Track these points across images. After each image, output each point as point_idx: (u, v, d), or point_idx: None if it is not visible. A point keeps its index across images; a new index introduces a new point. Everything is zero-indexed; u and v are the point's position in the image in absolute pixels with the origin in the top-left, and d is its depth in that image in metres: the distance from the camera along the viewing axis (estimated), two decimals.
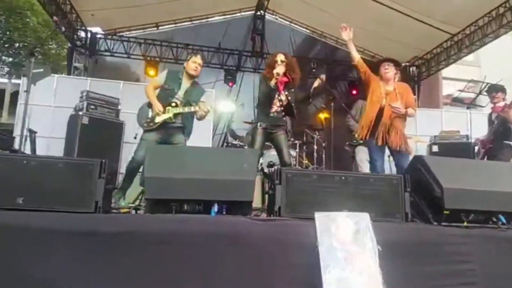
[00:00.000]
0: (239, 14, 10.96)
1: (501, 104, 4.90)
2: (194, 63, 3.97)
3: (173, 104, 3.84)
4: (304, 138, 7.47)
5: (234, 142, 6.90)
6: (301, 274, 1.97)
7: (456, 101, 7.54)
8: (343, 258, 2.02)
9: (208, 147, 3.24)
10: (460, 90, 8.00)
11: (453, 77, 16.78)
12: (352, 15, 9.71)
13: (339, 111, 6.45)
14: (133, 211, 2.83)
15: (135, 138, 4.32)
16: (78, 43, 9.55)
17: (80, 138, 5.13)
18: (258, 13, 10.63)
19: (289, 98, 4.05)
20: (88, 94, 5.42)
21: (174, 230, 1.91)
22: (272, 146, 4.53)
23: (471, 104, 6.67)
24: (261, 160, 6.78)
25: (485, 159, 4.90)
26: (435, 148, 6.18)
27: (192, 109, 3.85)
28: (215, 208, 2.18)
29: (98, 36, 9.96)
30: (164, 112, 3.80)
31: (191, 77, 3.97)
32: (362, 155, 4.66)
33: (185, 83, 3.96)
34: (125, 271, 1.84)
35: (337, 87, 11.35)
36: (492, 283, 2.14)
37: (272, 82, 3.87)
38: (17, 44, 14.92)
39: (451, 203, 2.25)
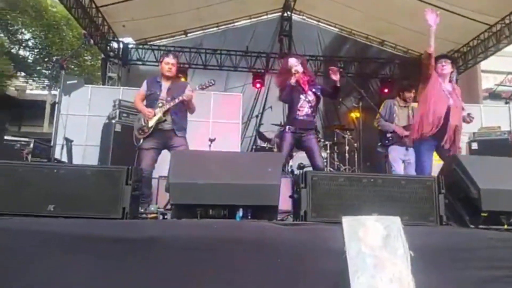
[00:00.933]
0: (265, 17, 10.97)
1: None
2: (167, 64, 4.06)
3: (160, 105, 3.95)
4: (335, 138, 7.35)
5: (263, 144, 6.89)
6: (328, 281, 1.90)
7: (494, 96, 7.13)
8: (372, 264, 1.93)
9: (231, 151, 3.23)
10: (497, 84, 7.57)
11: (494, 70, 15.96)
12: (381, 11, 9.49)
13: (370, 110, 6.27)
14: (161, 216, 2.87)
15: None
16: (111, 53, 9.91)
17: (113, 145, 5.29)
18: (285, 14, 10.61)
19: (318, 94, 4.03)
20: (120, 102, 5.58)
21: (198, 236, 1.90)
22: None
23: (509, 99, 6.29)
24: (291, 163, 6.74)
25: None
26: (474, 146, 5.87)
27: (177, 100, 3.91)
28: (240, 213, 2.16)
29: (130, 46, 10.29)
30: (154, 115, 3.91)
31: (168, 77, 4.07)
32: (396, 155, 4.51)
33: (165, 84, 4.06)
34: (150, 276, 1.85)
35: (369, 85, 11.09)
36: None
37: (293, 80, 3.87)
38: (54, 58, 15.69)
39: (488, 205, 2.11)
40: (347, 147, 6.97)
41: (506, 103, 6.65)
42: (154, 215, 2.84)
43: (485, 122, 6.66)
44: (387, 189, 2.22)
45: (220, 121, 6.56)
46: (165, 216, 2.84)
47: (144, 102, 4.09)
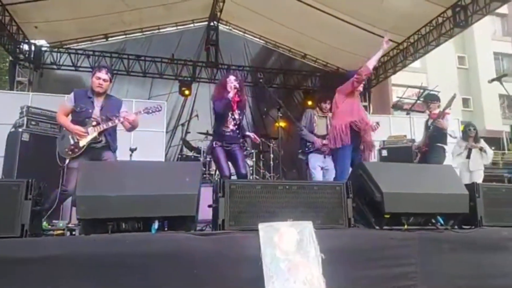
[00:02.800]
0: (192, 25, 10.89)
1: (436, 111, 5.24)
2: (97, 80, 3.72)
3: (94, 123, 3.64)
4: (261, 147, 7.49)
5: (189, 153, 6.77)
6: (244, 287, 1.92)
7: (397, 107, 7.92)
8: (286, 268, 1.99)
9: (146, 161, 3.13)
10: (398, 97, 8.43)
11: (402, 84, 17.68)
12: (303, 26, 9.98)
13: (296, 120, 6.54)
14: (68, 233, 2.66)
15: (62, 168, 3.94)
16: (21, 56, 9.04)
17: (20, 156, 4.79)
18: (212, 24, 10.64)
19: (243, 116, 4.25)
20: (29, 109, 5.09)
21: (107, 252, 1.79)
22: None
23: (410, 110, 7.06)
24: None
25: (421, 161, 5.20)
26: (384, 153, 6.41)
27: (117, 121, 3.68)
28: (156, 225, 2.09)
29: (43, 48, 9.51)
30: (87, 134, 3.59)
31: (99, 94, 3.74)
32: (314, 162, 4.78)
33: (97, 101, 3.74)
34: None
35: (293, 96, 11.57)
36: (432, 284, 2.20)
37: (231, 94, 4.00)
38: None
39: (391, 207, 2.31)
40: (271, 155, 7.15)
41: (407, 114, 7.44)
42: (61, 231, 2.62)
43: (393, 131, 7.31)
44: (301, 195, 2.31)
45: (143, 130, 6.30)
46: (73, 233, 2.64)
47: (69, 117, 3.69)
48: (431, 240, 2.28)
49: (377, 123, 4.23)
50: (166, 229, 2.15)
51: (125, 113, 3.78)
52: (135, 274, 1.82)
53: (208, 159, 6.49)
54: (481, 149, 5.83)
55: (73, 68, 9.57)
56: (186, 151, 7.14)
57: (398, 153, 6.28)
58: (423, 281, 2.18)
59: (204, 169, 6.34)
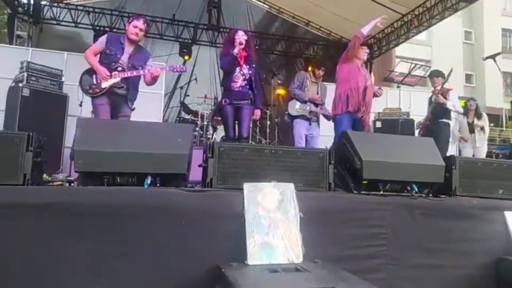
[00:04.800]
0: None
1: (439, 87, 5.32)
2: (135, 28, 3.76)
3: (119, 69, 3.72)
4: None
5: (187, 116, 6.89)
6: (228, 241, 2.10)
7: (388, 79, 7.98)
8: (267, 224, 2.17)
9: (142, 121, 3.24)
10: (390, 71, 8.46)
11: (407, 56, 17.50)
12: None
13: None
14: (67, 184, 2.83)
15: (80, 105, 4.20)
16: (20, 9, 8.94)
17: (21, 111, 4.92)
18: None
19: (252, 70, 4.17)
20: (29, 64, 5.16)
21: (101, 202, 1.96)
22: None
23: (400, 83, 7.19)
24: (214, 135, 6.87)
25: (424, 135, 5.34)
26: (378, 124, 6.53)
27: (141, 72, 3.76)
28: (148, 180, 2.25)
29: (43, 3, 9.38)
30: (111, 77, 3.68)
31: (132, 41, 3.81)
32: (299, 128, 4.87)
33: (128, 48, 3.80)
34: (55, 242, 1.88)
35: (294, 64, 11.51)
36: (399, 245, 2.39)
37: (236, 50, 3.97)
38: None
39: (369, 174, 2.46)
40: (268, 122, 7.29)
41: (398, 87, 7.54)
42: (60, 182, 2.79)
43: (390, 104, 7.40)
44: (286, 160, 2.46)
45: (141, 91, 6.37)
46: (72, 185, 2.81)
47: (97, 57, 3.78)
48: (404, 205, 2.45)
49: (380, 88, 4.32)
50: (158, 184, 2.30)
51: (150, 66, 3.87)
52: (129, 223, 1.99)
53: (205, 122, 6.63)
54: (481, 128, 5.96)
55: (73, 24, 9.47)
56: (184, 114, 7.25)
57: (392, 125, 6.40)
58: (393, 241, 2.37)
59: (202, 132, 6.49)
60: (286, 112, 5.21)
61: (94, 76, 3.72)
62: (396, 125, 6.35)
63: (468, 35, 22.96)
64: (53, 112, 5.25)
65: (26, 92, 4.98)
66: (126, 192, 2.07)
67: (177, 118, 7.04)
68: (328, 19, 10.63)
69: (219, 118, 5.21)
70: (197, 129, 6.54)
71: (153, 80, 3.89)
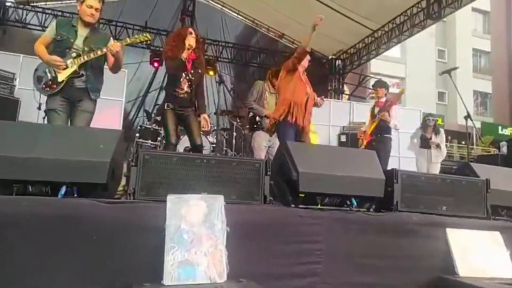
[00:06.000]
0: None
1: (383, 99, 5.29)
2: (89, 8, 3.24)
3: (74, 55, 3.20)
4: (224, 124, 7.48)
5: (148, 126, 6.62)
6: (142, 257, 1.94)
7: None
8: (189, 240, 2.02)
9: (64, 126, 3.05)
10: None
11: (382, 73, 17.87)
12: (281, 4, 9.85)
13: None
14: None
15: (39, 108, 3.81)
16: None
17: None
18: None
19: (196, 77, 3.86)
20: None
21: (4, 212, 1.77)
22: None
23: (367, 97, 7.26)
24: (178, 146, 6.67)
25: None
26: (343, 138, 6.51)
27: (99, 52, 3.23)
28: (63, 190, 2.06)
29: (8, 4, 9.10)
30: (66, 67, 3.17)
31: (88, 24, 3.30)
32: (260, 140, 4.61)
33: (82, 31, 3.29)
34: None
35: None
36: (335, 262, 2.28)
37: (184, 54, 3.67)
38: None
39: (305, 186, 2.35)
40: (234, 133, 7.16)
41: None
42: None
43: (356, 118, 7.41)
44: (219, 170, 2.32)
45: (101, 98, 6.17)
46: None
47: (49, 50, 3.23)
48: (340, 220, 2.34)
49: (322, 98, 4.19)
50: (75, 195, 2.12)
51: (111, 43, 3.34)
52: (28, 235, 1.81)
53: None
54: (437, 145, 6.01)
55: (40, 28, 9.21)
56: (146, 123, 7.04)
57: (356, 138, 6.38)
58: (328, 257, 2.25)
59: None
60: (247, 126, 5.04)
61: (47, 70, 3.21)
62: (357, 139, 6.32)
63: (442, 53, 23.65)
64: (2, 117, 4.98)
65: None
66: (31, 201, 1.88)
67: (139, 127, 6.81)
68: (301, 32, 10.71)
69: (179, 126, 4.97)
70: (159, 138, 6.35)
71: (117, 61, 3.38)
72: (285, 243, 2.20)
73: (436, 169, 6.03)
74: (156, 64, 9.87)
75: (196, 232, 2.05)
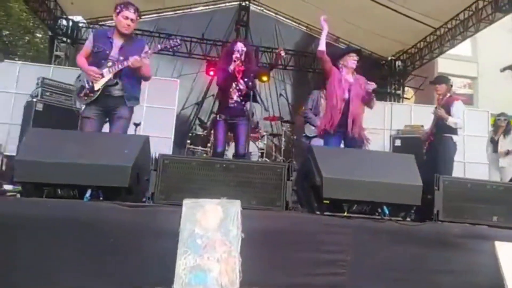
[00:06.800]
0: (223, 5, 10.90)
1: (447, 97, 4.77)
2: (125, 19, 3.29)
3: (109, 64, 3.28)
4: (272, 130, 7.44)
5: (199, 132, 6.84)
6: (155, 261, 1.95)
7: None
8: (203, 245, 1.99)
9: (92, 132, 3.16)
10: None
11: (450, 73, 16.56)
12: (336, 8, 9.61)
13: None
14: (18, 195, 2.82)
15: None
16: (59, 31, 9.59)
17: (34, 124, 5.15)
18: (243, 4, 10.58)
19: (249, 84, 3.99)
20: (44, 80, 5.44)
21: (22, 214, 1.90)
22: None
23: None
24: (226, 153, 6.79)
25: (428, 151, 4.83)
26: (397, 142, 6.09)
27: (125, 63, 3.27)
28: (88, 193, 2.16)
29: (80, 24, 9.99)
30: (102, 76, 3.26)
31: (123, 35, 3.37)
32: None
33: (118, 41, 3.37)
34: None
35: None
36: (361, 274, 2.10)
37: (231, 67, 3.86)
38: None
39: (330, 193, 2.21)
40: (283, 139, 7.09)
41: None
42: (13, 193, 2.78)
43: (414, 121, 6.91)
44: (239, 175, 2.28)
45: (151, 106, 6.51)
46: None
47: (89, 61, 3.36)
48: (369, 229, 2.15)
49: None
50: (101, 198, 2.21)
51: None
52: (54, 238, 1.91)
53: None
54: (507, 152, 5.39)
55: None
56: (198, 129, 7.25)
57: (412, 143, 5.93)
58: (352, 269, 2.08)
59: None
60: (304, 134, 5.04)
61: (85, 80, 3.35)
62: (418, 143, 5.85)
63: None
64: (65, 126, 5.42)
65: (39, 107, 5.22)
66: (55, 204, 1.99)
67: (190, 134, 7.05)
68: (357, 34, 10.37)
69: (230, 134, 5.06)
70: (209, 145, 6.50)
71: (141, 73, 3.41)
72: (305, 251, 2.09)
73: (508, 176, 5.36)
74: (211, 73, 10.16)
75: (210, 237, 2.02)
